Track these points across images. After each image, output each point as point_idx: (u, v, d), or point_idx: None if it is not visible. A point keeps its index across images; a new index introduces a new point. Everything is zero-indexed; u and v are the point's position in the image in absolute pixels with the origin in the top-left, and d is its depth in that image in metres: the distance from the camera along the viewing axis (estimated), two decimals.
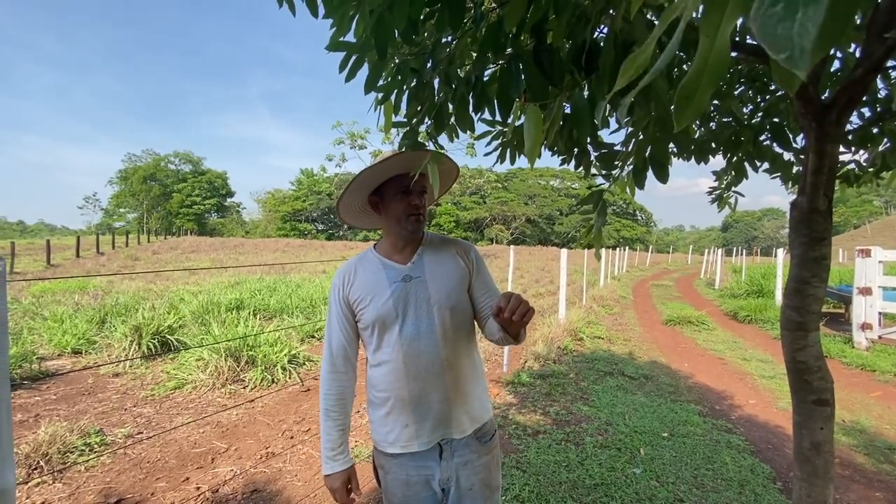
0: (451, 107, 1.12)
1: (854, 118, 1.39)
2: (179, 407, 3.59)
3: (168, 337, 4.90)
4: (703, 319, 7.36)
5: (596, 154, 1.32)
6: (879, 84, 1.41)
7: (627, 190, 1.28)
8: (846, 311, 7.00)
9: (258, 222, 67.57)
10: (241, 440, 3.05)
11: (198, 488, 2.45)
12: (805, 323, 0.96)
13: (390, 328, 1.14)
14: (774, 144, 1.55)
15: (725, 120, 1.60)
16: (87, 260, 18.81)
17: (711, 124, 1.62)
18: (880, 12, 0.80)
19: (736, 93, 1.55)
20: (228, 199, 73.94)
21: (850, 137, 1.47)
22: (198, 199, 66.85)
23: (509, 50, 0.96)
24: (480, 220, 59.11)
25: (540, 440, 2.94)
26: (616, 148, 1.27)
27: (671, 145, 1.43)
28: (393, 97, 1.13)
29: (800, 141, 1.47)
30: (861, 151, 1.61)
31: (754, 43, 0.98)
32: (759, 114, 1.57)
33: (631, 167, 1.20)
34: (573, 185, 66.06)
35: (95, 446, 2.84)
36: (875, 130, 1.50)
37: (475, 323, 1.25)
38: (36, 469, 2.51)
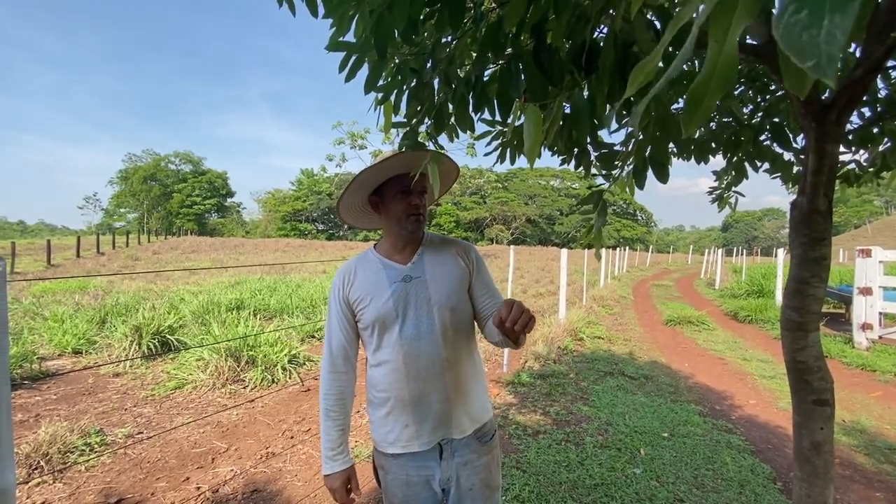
0: (450, 107, 1.12)
1: (854, 118, 1.39)
2: (180, 407, 3.59)
3: (168, 337, 4.90)
4: (703, 319, 7.36)
5: (596, 154, 1.32)
6: (879, 84, 1.41)
7: (627, 190, 1.28)
8: (846, 311, 7.00)
9: (258, 222, 67.59)
10: (241, 440, 3.05)
11: (198, 488, 2.45)
12: (805, 323, 0.96)
13: (390, 328, 1.14)
14: (774, 144, 1.55)
15: (725, 120, 1.60)
16: (87, 260, 18.81)
17: (711, 124, 1.62)
18: (880, 12, 0.80)
19: (736, 93, 1.55)
20: (229, 200, 74.00)
21: (850, 137, 1.47)
22: (198, 200, 66.89)
23: (509, 50, 0.96)
24: (480, 220, 59.11)
25: (540, 440, 2.94)
26: (616, 148, 1.27)
27: (671, 145, 1.43)
28: (393, 97, 1.13)
29: (800, 141, 1.47)
30: (861, 151, 1.61)
31: (755, 43, 0.98)
32: (759, 114, 1.57)
33: (631, 167, 1.20)
34: (573, 185, 66.05)
35: (96, 446, 2.84)
36: (875, 130, 1.50)
37: (475, 323, 1.25)
38: (36, 469, 2.51)
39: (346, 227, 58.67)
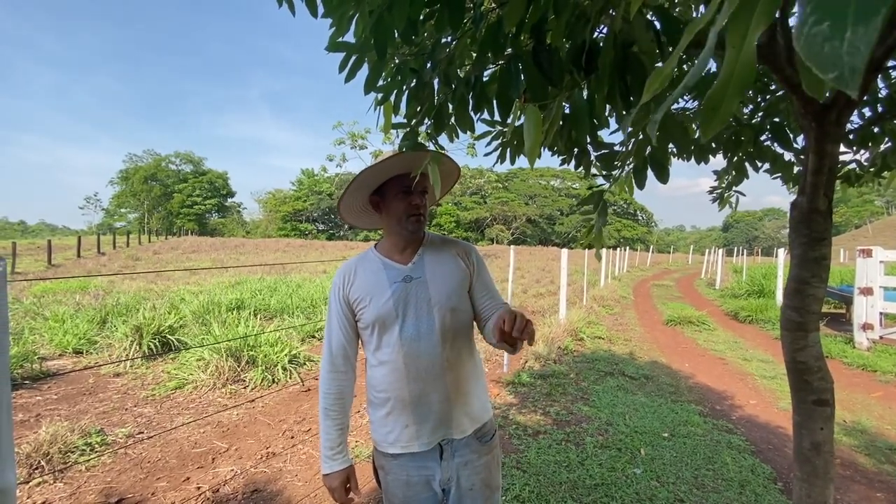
0: (450, 107, 1.12)
1: (855, 118, 1.39)
2: (180, 407, 3.59)
3: (169, 337, 4.90)
4: (703, 319, 7.36)
5: (596, 154, 1.32)
6: (880, 84, 1.41)
7: (627, 190, 1.28)
8: (847, 311, 6.99)
9: (259, 222, 67.63)
10: (241, 440, 3.05)
11: (198, 488, 2.45)
12: (805, 323, 0.96)
13: (390, 328, 1.14)
14: (775, 144, 1.55)
15: None
16: (88, 260, 18.83)
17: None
18: None
19: None
20: (229, 200, 74.05)
21: (850, 137, 1.46)
22: (199, 200, 66.96)
23: (509, 50, 0.96)
24: (481, 220, 59.11)
25: (540, 440, 2.94)
26: (616, 148, 1.27)
27: (670, 145, 1.43)
28: (393, 97, 1.13)
29: (800, 141, 1.47)
30: (862, 151, 1.61)
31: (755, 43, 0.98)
32: (760, 114, 1.57)
33: (631, 167, 1.20)
34: (574, 185, 66.03)
35: (96, 446, 2.84)
36: (876, 130, 1.50)
37: (475, 324, 1.25)
38: (37, 469, 2.51)
39: (346, 227, 58.72)
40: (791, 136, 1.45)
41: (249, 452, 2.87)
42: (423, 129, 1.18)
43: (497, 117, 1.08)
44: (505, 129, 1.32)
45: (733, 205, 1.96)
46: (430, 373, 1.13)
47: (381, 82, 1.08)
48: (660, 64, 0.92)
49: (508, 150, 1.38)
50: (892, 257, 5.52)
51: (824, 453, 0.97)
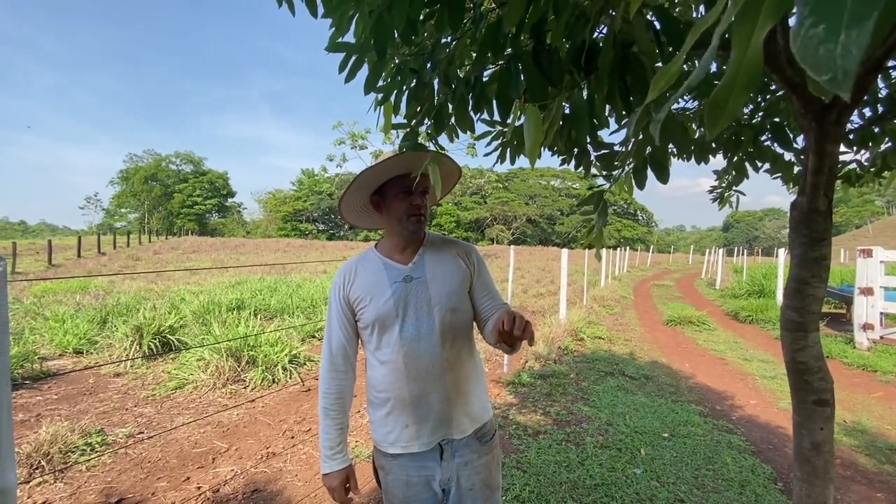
0: (450, 107, 1.12)
1: (855, 118, 1.39)
2: (180, 407, 3.59)
3: (169, 337, 4.90)
4: (703, 320, 7.36)
5: (596, 154, 1.32)
6: (880, 84, 1.41)
7: (626, 190, 1.28)
8: (847, 311, 6.99)
9: (259, 222, 67.66)
10: (241, 440, 3.05)
11: (198, 488, 2.46)
12: (805, 323, 0.96)
13: (390, 328, 1.14)
14: (775, 144, 1.55)
15: None
16: (88, 260, 18.85)
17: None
18: None
19: None
20: (229, 200, 74.08)
21: (851, 137, 1.46)
22: (199, 200, 67.00)
23: (508, 50, 0.96)
24: (481, 220, 59.12)
25: (540, 440, 2.94)
26: (616, 148, 1.27)
27: (670, 145, 1.43)
28: (393, 98, 1.13)
29: (800, 141, 1.47)
30: (863, 151, 1.61)
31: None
32: (760, 114, 1.57)
33: (631, 167, 1.20)
34: (574, 185, 66.02)
35: (96, 446, 2.84)
36: (876, 130, 1.50)
37: (475, 324, 1.25)
38: (37, 468, 2.52)
39: (346, 227, 58.75)
40: (791, 136, 1.45)
41: (250, 452, 2.87)
42: (423, 129, 1.18)
43: (497, 117, 1.08)
44: (505, 129, 1.32)
45: (734, 204, 1.96)
46: (430, 373, 1.13)
47: (381, 83, 1.08)
48: (660, 64, 0.92)
49: (508, 150, 1.38)
50: (893, 257, 5.52)
51: (824, 453, 0.97)
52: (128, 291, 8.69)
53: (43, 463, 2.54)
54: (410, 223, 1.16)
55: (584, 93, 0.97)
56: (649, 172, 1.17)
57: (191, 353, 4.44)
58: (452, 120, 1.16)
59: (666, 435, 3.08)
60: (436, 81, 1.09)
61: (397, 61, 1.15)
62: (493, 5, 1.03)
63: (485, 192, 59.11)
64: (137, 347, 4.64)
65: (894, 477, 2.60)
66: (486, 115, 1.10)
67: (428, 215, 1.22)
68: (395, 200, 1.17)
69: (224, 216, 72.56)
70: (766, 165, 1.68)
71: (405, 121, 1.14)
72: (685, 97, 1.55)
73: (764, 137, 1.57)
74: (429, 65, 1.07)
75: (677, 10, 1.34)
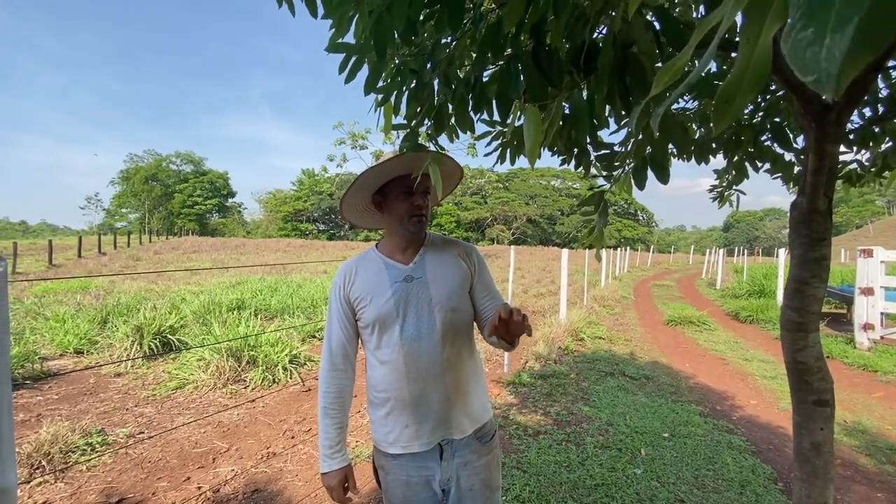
0: (450, 107, 1.12)
1: (855, 117, 1.39)
2: (181, 407, 3.60)
3: (169, 337, 4.91)
4: (704, 320, 7.35)
5: (596, 154, 1.32)
6: (880, 84, 1.41)
7: (627, 190, 1.28)
8: (848, 311, 6.98)
9: (259, 222, 67.69)
10: (242, 440, 3.05)
11: (199, 488, 2.46)
12: (805, 323, 0.96)
13: (391, 328, 1.14)
14: (775, 144, 1.55)
15: None
16: (88, 260, 18.86)
17: (711, 124, 1.62)
18: None
19: None
20: (230, 200, 74.11)
21: (851, 137, 1.46)
22: (199, 200, 67.03)
23: (508, 50, 0.96)
24: (481, 220, 59.13)
25: (540, 440, 2.94)
26: (616, 148, 1.27)
27: (670, 146, 1.43)
28: (393, 98, 1.13)
29: (800, 141, 1.47)
30: (863, 151, 1.60)
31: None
32: (760, 114, 1.57)
33: (631, 167, 1.20)
34: (574, 185, 66.00)
35: (97, 446, 2.84)
36: (876, 130, 1.50)
37: (475, 324, 1.25)
38: (38, 468, 2.52)
39: (347, 227, 58.79)
40: (791, 136, 1.45)
41: (250, 452, 2.87)
42: (423, 129, 1.18)
43: (497, 117, 1.08)
44: (505, 130, 1.32)
45: (735, 203, 1.96)
46: (431, 373, 1.13)
47: (381, 83, 1.08)
48: (659, 64, 0.92)
49: (508, 150, 1.38)
50: (893, 257, 5.51)
51: (824, 453, 0.97)
52: (128, 291, 8.70)
53: (43, 463, 2.55)
54: (412, 223, 1.16)
55: (584, 93, 0.97)
56: (649, 173, 1.17)
57: (191, 353, 4.45)
58: (452, 120, 1.16)
59: (666, 435, 3.08)
60: (436, 82, 1.09)
61: (397, 62, 1.15)
62: (493, 5, 1.03)
63: (485, 192, 59.13)
64: (138, 347, 4.65)
65: (895, 477, 2.59)
66: (486, 116, 1.10)
67: (429, 216, 1.22)
68: (397, 201, 1.17)
69: (224, 216, 72.59)
70: (767, 165, 1.68)
71: (405, 121, 1.14)
72: (685, 97, 1.55)
73: (764, 137, 1.57)
74: (429, 65, 1.07)
75: (677, 10, 1.34)
